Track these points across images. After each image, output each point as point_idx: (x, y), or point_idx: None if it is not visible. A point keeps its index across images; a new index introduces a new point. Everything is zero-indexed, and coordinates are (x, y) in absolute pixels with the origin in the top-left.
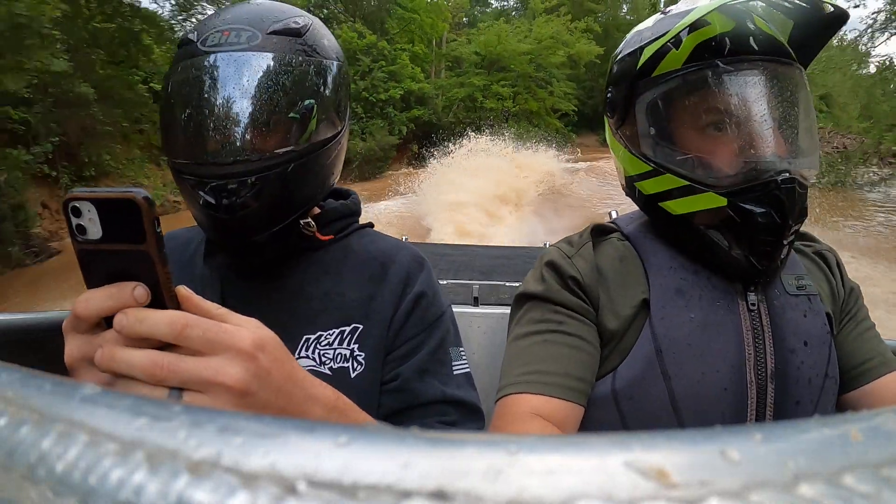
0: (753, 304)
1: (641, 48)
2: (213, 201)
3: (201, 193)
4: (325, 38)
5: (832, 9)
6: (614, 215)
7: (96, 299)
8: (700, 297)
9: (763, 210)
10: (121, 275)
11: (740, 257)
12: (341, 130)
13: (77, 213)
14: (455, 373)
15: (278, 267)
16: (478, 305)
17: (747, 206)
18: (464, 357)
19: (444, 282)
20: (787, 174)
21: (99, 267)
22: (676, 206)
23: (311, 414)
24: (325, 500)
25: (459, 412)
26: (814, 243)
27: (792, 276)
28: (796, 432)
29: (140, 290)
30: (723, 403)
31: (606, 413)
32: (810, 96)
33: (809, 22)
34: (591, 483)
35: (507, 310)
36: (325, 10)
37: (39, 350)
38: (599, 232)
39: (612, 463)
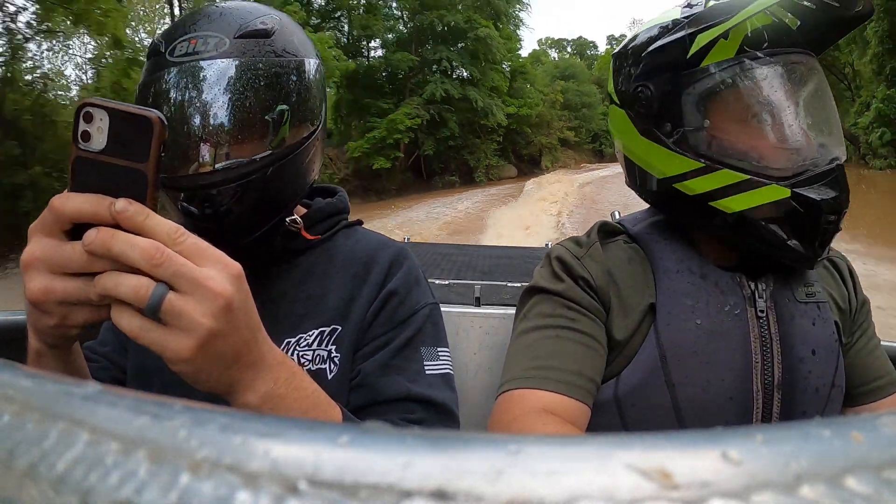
0: (762, 311)
1: (692, 35)
2: (196, 211)
3: (184, 204)
4: (296, 36)
5: (860, 7)
6: (617, 216)
7: (75, 200)
8: (708, 303)
9: (827, 197)
10: (108, 191)
11: (799, 248)
12: (317, 128)
13: (88, 118)
14: (427, 372)
15: (265, 271)
16: (480, 306)
17: (811, 195)
18: (443, 358)
19: (446, 282)
20: (839, 160)
21: (89, 177)
22: (733, 203)
23: (270, 367)
24: (326, 500)
25: (427, 411)
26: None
27: (801, 283)
28: (798, 434)
29: (120, 203)
30: (727, 412)
31: (608, 419)
32: (828, 86)
33: (826, 19)
34: (593, 483)
35: (509, 310)
36: None
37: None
38: (606, 233)
39: (614, 463)
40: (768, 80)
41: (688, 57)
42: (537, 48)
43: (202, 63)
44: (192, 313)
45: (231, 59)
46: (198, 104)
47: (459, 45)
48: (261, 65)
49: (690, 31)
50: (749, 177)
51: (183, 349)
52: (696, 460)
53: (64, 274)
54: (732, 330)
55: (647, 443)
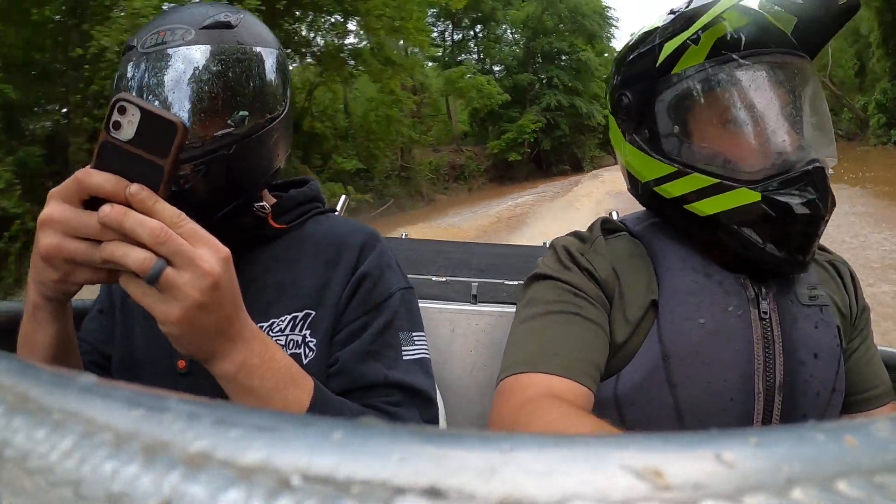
0: (765, 313)
1: (661, 44)
2: None
3: None
4: (259, 28)
5: (844, 0)
6: (616, 216)
7: (98, 176)
8: (711, 303)
9: (800, 201)
10: (125, 175)
11: (775, 252)
12: (280, 114)
13: (122, 111)
14: (405, 357)
15: (236, 258)
16: (477, 303)
17: (782, 199)
18: (419, 343)
19: (443, 279)
20: (818, 163)
21: (112, 161)
22: (705, 207)
23: (247, 340)
24: (319, 495)
25: (405, 396)
26: (827, 253)
27: (805, 286)
28: (791, 437)
29: (135, 188)
30: (728, 414)
31: (607, 418)
32: (821, 88)
33: (816, 16)
34: (586, 483)
35: (507, 308)
36: None
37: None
38: (608, 229)
39: (608, 464)
40: (735, 83)
41: (657, 65)
42: None
43: (169, 51)
44: (184, 286)
45: (196, 46)
46: (165, 88)
47: (563, 63)
48: (224, 51)
49: (659, 40)
50: (719, 180)
51: (172, 314)
52: (689, 461)
53: (75, 237)
54: (735, 331)
55: (641, 443)
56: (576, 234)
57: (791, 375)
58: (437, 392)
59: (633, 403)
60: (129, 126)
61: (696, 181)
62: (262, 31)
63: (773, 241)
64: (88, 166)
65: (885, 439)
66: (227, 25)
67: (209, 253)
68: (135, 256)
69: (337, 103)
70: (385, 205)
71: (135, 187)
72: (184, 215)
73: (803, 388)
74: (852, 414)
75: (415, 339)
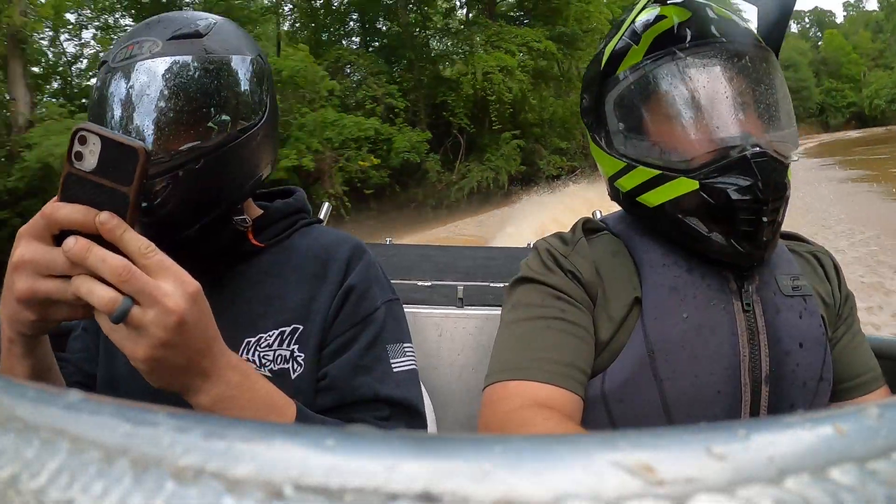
0: (748, 305)
1: (603, 49)
2: None
3: None
4: (232, 35)
5: None
6: (598, 215)
7: (66, 209)
8: (695, 297)
9: (736, 186)
10: (93, 206)
11: (721, 241)
12: (258, 123)
13: (83, 141)
14: (395, 370)
15: (220, 272)
16: (463, 307)
17: (718, 185)
18: (408, 353)
19: (428, 283)
20: (759, 148)
21: (77, 193)
22: (652, 198)
23: (221, 372)
24: None
25: (395, 410)
26: (807, 244)
27: (787, 277)
28: (781, 427)
29: (104, 216)
30: (716, 406)
31: (595, 415)
32: (781, 76)
33: (767, 2)
34: (579, 482)
35: (493, 311)
36: None
37: None
38: (590, 230)
39: (599, 462)
40: (670, 75)
41: (601, 67)
42: None
43: (136, 64)
44: (149, 325)
45: (161, 59)
46: (130, 102)
47: None
48: (190, 62)
49: (602, 46)
50: (660, 172)
51: (139, 352)
52: (680, 456)
53: (48, 276)
54: (720, 323)
55: (632, 440)
56: (558, 236)
57: (777, 366)
58: (427, 398)
59: (621, 400)
60: (90, 156)
61: (642, 174)
62: (236, 38)
63: (719, 230)
64: (54, 200)
65: (875, 425)
66: (196, 35)
67: (175, 288)
68: (100, 295)
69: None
70: (575, 172)
71: (104, 216)
72: (152, 246)
73: (790, 378)
74: (841, 402)
75: (405, 350)
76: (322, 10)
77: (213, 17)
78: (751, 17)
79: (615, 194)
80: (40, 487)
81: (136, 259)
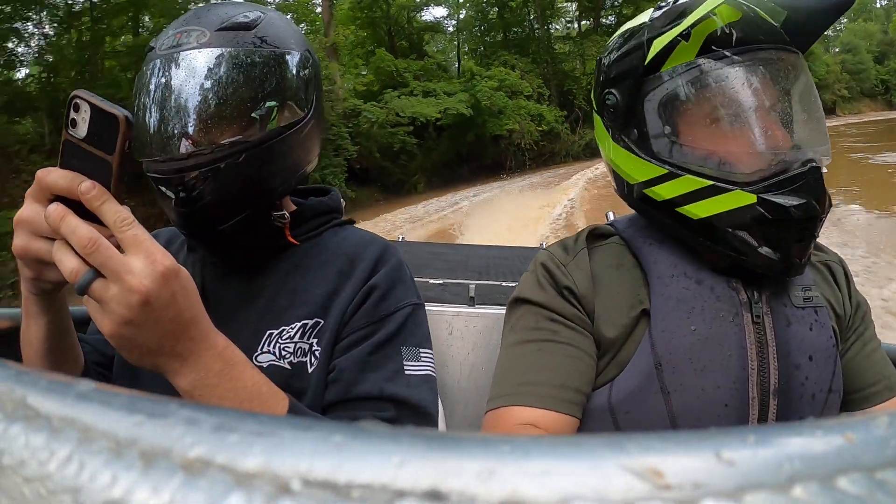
0: (758, 317)
1: (649, 41)
2: (171, 195)
3: (161, 188)
4: (281, 29)
5: None
6: (611, 217)
7: (54, 175)
8: (703, 309)
9: (797, 202)
10: (85, 173)
11: (772, 255)
12: (304, 119)
13: (77, 108)
14: (407, 372)
15: (253, 263)
16: (474, 305)
17: (779, 201)
18: (425, 359)
19: (440, 282)
20: (814, 163)
21: (72, 159)
22: (698, 210)
23: (200, 358)
24: (319, 500)
25: (400, 410)
26: (821, 253)
27: (799, 287)
28: (790, 435)
29: (85, 185)
30: (723, 420)
31: (602, 425)
32: (812, 83)
33: (809, 9)
34: (586, 484)
35: (504, 310)
36: None
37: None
38: (596, 237)
39: (607, 464)
40: (729, 81)
41: (645, 63)
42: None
43: (182, 53)
44: (110, 301)
45: (209, 49)
46: (174, 92)
47: None
48: (238, 54)
49: (648, 36)
50: (712, 182)
51: (104, 327)
52: (688, 461)
53: (40, 236)
54: (728, 336)
55: (640, 443)
56: (561, 244)
57: (786, 379)
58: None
59: (628, 411)
60: (82, 123)
61: (689, 183)
62: (287, 32)
63: (769, 243)
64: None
65: (884, 436)
66: (245, 27)
67: (143, 265)
68: (67, 263)
69: None
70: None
71: (85, 185)
72: (130, 219)
73: (799, 392)
74: (852, 412)
75: (421, 355)
76: (485, 26)
77: (263, 9)
78: (777, 20)
79: (639, 201)
80: (48, 475)
81: (113, 231)
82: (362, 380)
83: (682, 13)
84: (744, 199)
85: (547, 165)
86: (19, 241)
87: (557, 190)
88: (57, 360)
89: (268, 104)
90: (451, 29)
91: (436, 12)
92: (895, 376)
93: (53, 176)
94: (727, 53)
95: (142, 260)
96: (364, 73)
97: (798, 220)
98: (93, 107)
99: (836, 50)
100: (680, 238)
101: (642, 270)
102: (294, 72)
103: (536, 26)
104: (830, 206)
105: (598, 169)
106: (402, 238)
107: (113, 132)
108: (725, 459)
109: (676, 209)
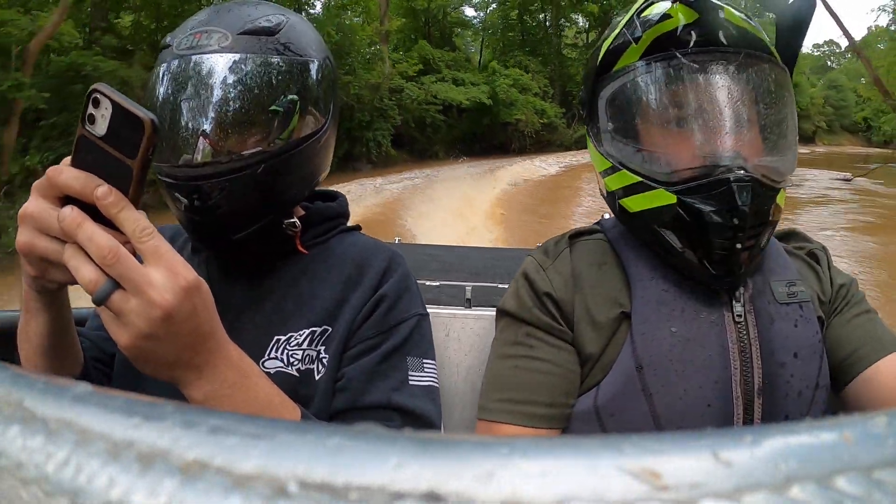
0: (740, 316)
1: (601, 44)
2: (184, 200)
3: (176, 195)
4: (304, 35)
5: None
6: (607, 217)
7: (68, 174)
8: (683, 310)
9: (713, 209)
10: (100, 174)
11: (693, 260)
12: (322, 129)
13: (96, 103)
14: (411, 382)
15: (260, 269)
16: (471, 307)
17: (696, 205)
18: (428, 370)
19: (436, 283)
20: (744, 172)
21: (87, 157)
22: (632, 204)
23: (216, 369)
24: (316, 502)
25: (406, 421)
26: (806, 244)
27: (783, 283)
28: (787, 435)
29: (102, 190)
30: (707, 420)
31: (589, 428)
32: (790, 94)
33: (783, 12)
34: (583, 485)
35: None
36: None
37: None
38: (580, 234)
39: (604, 465)
40: (662, 81)
41: (597, 63)
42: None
43: (201, 56)
44: (130, 314)
45: (230, 54)
46: (192, 97)
47: None
48: (259, 61)
49: (601, 40)
50: (641, 179)
51: (121, 339)
52: (686, 461)
53: (47, 234)
54: (709, 336)
55: (638, 444)
56: (544, 248)
57: (770, 378)
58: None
59: (612, 414)
60: (102, 120)
61: (625, 178)
62: (308, 38)
63: (692, 247)
64: (69, 160)
65: (881, 434)
66: (268, 31)
67: (165, 279)
68: (84, 273)
69: None
70: None
71: (102, 190)
72: (150, 228)
73: (784, 390)
74: (849, 382)
75: (425, 365)
76: (506, 24)
77: (285, 12)
78: (770, 26)
79: (606, 195)
80: (46, 477)
81: (132, 240)
82: (371, 389)
83: (638, 19)
84: (665, 198)
85: (544, 151)
86: (24, 238)
87: (547, 164)
88: (57, 357)
89: (288, 114)
90: (476, 23)
91: (466, 12)
92: (887, 337)
93: (66, 176)
94: (673, 54)
95: (163, 273)
96: (407, 59)
97: (717, 226)
98: (115, 104)
99: (821, 82)
100: (646, 243)
101: (624, 272)
102: (315, 80)
103: (550, 31)
104: (765, 219)
105: (580, 158)
106: (398, 240)
107: (135, 135)
108: (723, 460)
109: (619, 201)
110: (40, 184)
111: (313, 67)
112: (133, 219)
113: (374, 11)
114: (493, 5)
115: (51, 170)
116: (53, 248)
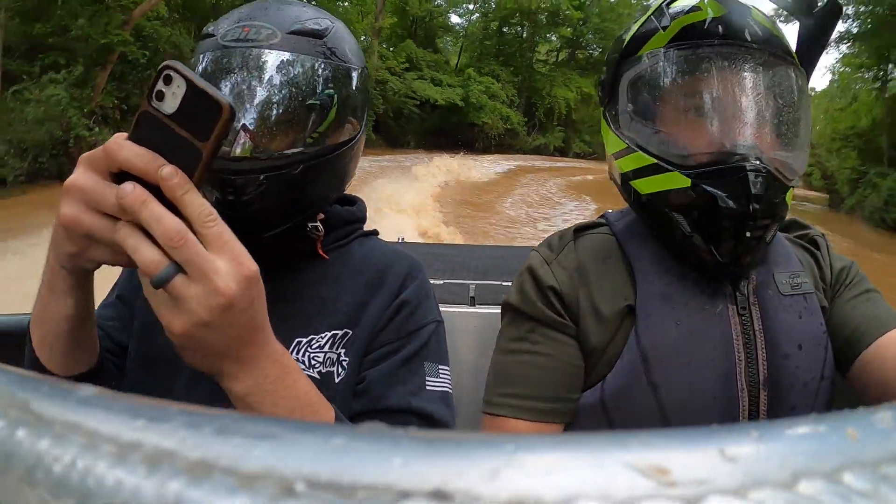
0: (744, 308)
1: (628, 30)
2: (218, 195)
3: (208, 187)
4: (347, 42)
5: (822, 2)
6: (610, 210)
7: (130, 149)
8: (687, 304)
9: (726, 194)
10: (162, 152)
11: (701, 245)
12: (357, 136)
13: (168, 80)
14: (428, 388)
15: (281, 269)
16: (475, 305)
17: (710, 189)
18: (444, 376)
19: (441, 282)
20: (759, 163)
21: (150, 134)
22: (644, 186)
23: (260, 364)
24: (323, 501)
25: (423, 425)
26: (807, 230)
27: (786, 274)
28: (794, 430)
29: (168, 170)
30: (712, 412)
31: (595, 422)
32: (807, 98)
33: (807, 18)
34: (590, 482)
35: None
36: None
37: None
38: (585, 227)
39: (611, 462)
40: (687, 68)
41: (623, 46)
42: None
43: (250, 50)
44: (191, 300)
45: (279, 52)
46: (238, 90)
47: None
48: (307, 63)
49: (631, 23)
50: (656, 161)
51: (175, 325)
52: (693, 458)
53: (96, 210)
54: (713, 329)
55: (644, 441)
56: (548, 242)
57: (775, 370)
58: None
59: (618, 407)
60: (172, 98)
61: (639, 159)
62: (351, 45)
63: (701, 233)
64: (125, 135)
65: (887, 429)
66: (318, 34)
67: (229, 268)
68: (145, 253)
69: None
70: (588, 155)
71: (168, 170)
72: (214, 214)
73: (789, 381)
74: (852, 362)
75: (440, 372)
76: (486, 32)
77: (331, 18)
78: (792, 34)
79: (613, 174)
80: (54, 481)
81: (194, 225)
82: (391, 393)
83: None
84: (680, 181)
85: (504, 153)
86: (70, 211)
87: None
88: (76, 342)
89: (331, 117)
90: (458, 28)
91: (452, 18)
92: (887, 314)
93: (128, 152)
94: (698, 43)
95: (227, 261)
96: (395, 56)
97: (729, 212)
98: (190, 84)
99: None
100: (642, 219)
101: (629, 265)
102: (356, 87)
103: (525, 45)
104: (774, 212)
105: (534, 162)
106: (402, 239)
107: (209, 118)
108: (729, 456)
109: (630, 183)
110: (93, 156)
111: (355, 74)
112: (199, 203)
113: (368, 5)
114: (477, 14)
115: (111, 143)
116: (103, 225)
